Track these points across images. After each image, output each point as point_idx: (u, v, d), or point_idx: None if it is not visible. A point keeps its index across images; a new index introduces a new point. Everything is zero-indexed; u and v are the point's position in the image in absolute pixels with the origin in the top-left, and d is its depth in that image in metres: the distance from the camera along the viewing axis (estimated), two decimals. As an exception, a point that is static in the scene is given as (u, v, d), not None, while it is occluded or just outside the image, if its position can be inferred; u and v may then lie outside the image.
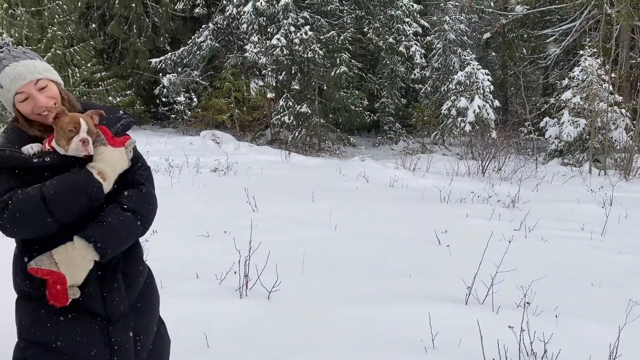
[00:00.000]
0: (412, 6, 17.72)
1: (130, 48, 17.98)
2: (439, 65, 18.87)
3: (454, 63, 18.17)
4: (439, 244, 5.53)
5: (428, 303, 3.75)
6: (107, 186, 1.76)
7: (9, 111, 1.90)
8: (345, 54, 16.12)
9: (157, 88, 17.47)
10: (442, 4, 19.03)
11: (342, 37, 16.10)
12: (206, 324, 3.22)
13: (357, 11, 17.77)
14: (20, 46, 1.91)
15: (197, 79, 17.55)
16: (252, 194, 7.06)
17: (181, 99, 17.81)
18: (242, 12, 16.03)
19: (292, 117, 15.79)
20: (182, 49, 17.40)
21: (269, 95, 17.12)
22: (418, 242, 5.68)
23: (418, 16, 18.49)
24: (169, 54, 17.37)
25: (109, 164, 1.76)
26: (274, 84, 16.98)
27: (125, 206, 1.79)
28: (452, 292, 4.03)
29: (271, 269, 4.07)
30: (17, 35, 15.29)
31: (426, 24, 19.38)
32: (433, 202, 8.08)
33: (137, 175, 1.88)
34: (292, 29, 15.29)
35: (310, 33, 15.27)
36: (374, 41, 17.54)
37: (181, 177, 9.20)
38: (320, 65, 15.78)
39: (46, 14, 15.82)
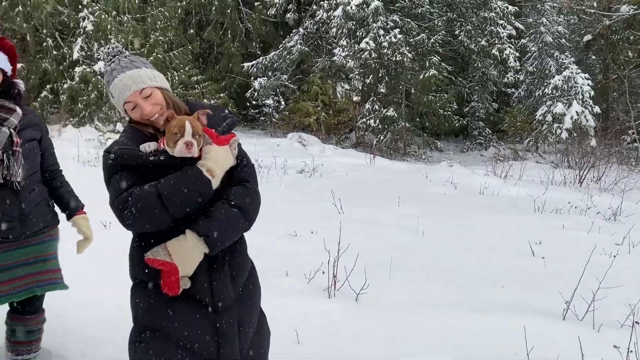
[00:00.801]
0: (507, 8, 17.09)
1: (225, 52, 18.73)
2: (534, 69, 18.05)
3: (550, 67, 17.31)
4: (532, 255, 5.29)
5: (522, 316, 3.59)
6: (216, 182, 1.84)
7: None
8: (435, 57, 15.85)
9: (249, 91, 18.07)
10: (538, 5, 18.20)
11: (432, 40, 15.85)
12: (296, 321, 3.29)
13: (449, 13, 17.41)
14: (129, 53, 2.03)
15: (286, 83, 17.96)
16: (338, 196, 7.12)
17: (270, 102, 18.30)
18: (332, 17, 16.23)
19: (377, 121, 15.74)
20: (272, 53, 17.88)
21: (355, 98, 17.17)
22: (510, 252, 5.45)
23: (512, 18, 17.81)
24: (261, 58, 17.91)
25: (216, 162, 1.84)
26: (361, 87, 17.02)
27: (232, 202, 1.87)
28: (548, 306, 3.84)
29: (359, 271, 4.08)
30: (123, 40, 16.41)
31: (521, 26, 18.61)
32: (526, 211, 7.73)
33: (243, 173, 1.95)
34: (381, 32, 15.26)
35: (399, 36, 15.17)
36: (466, 44, 17.10)
37: (269, 177, 9.45)
38: (408, 68, 15.63)
39: (149, 20, 16.84)
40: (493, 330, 3.46)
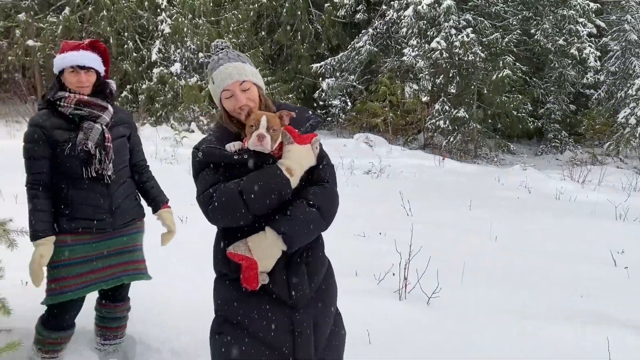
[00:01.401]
0: (588, 5, 16.25)
1: (294, 54, 18.98)
2: (616, 69, 17.05)
3: (635, 67, 16.29)
4: (614, 265, 5.01)
5: (606, 327, 3.42)
6: (294, 182, 1.87)
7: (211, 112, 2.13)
8: (509, 56, 15.32)
9: (317, 92, 18.21)
10: (622, 2, 17.18)
11: (506, 40, 15.34)
12: (367, 322, 3.29)
13: (524, 12, 16.77)
14: (237, 51, 2.11)
15: (354, 83, 17.95)
16: (406, 198, 7.04)
17: (337, 102, 18.35)
18: (402, 17, 16.06)
19: (447, 122, 15.42)
20: (341, 54, 17.92)
21: (424, 99, 16.89)
22: (589, 261, 5.19)
23: (593, 16, 16.90)
24: (329, 59, 18.00)
25: (296, 161, 1.88)
26: (430, 88, 16.73)
27: (311, 202, 1.89)
28: (633, 319, 3.63)
29: (430, 274, 4.03)
30: (198, 43, 17.00)
31: (602, 24, 17.63)
32: (606, 218, 7.32)
33: (322, 173, 1.98)
34: (453, 31, 14.94)
35: (472, 35, 14.80)
36: (542, 43, 16.39)
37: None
38: (480, 68, 15.21)
39: (223, 23, 17.36)
40: (570, 339, 3.32)
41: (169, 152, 11.49)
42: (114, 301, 2.91)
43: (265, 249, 1.85)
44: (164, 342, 3.02)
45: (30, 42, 15.02)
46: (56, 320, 2.68)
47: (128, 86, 17.24)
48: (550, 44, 16.20)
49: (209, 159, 1.92)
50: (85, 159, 2.60)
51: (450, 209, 7.40)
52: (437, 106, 15.82)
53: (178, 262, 3.99)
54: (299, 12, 18.51)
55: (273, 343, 1.90)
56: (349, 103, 18.40)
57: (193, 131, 14.80)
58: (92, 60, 2.65)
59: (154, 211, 2.95)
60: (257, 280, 1.87)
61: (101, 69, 2.71)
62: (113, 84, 2.83)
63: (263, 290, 1.90)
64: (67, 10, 15.98)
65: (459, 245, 5.43)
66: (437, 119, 15.58)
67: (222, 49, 2.06)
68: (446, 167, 12.28)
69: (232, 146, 1.92)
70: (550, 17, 16.26)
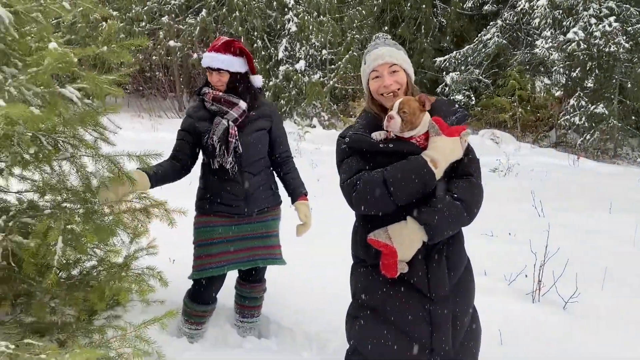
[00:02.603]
0: None
1: (417, 48, 18.71)
2: None
3: None
4: None
5: None
6: (439, 173, 1.86)
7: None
8: (658, 46, 13.83)
9: (439, 86, 17.80)
10: None
11: (655, 28, 13.85)
12: (499, 322, 3.17)
13: (679, -4, 15.02)
14: (392, 40, 2.15)
15: (480, 77, 17.28)
16: (535, 196, 6.66)
17: (460, 97, 17.79)
18: (534, 7, 15.14)
19: (583, 118, 14.29)
20: (466, 47, 17.33)
21: (558, 93, 15.80)
22: None
23: None
24: (454, 52, 17.49)
25: (441, 153, 1.86)
26: (564, 82, 15.61)
27: (455, 195, 1.87)
28: None
29: (567, 278, 3.78)
30: (322, 40, 17.39)
31: None
32: None
33: (468, 167, 1.94)
34: (593, 20, 13.80)
35: (615, 24, 13.56)
36: (701, 30, 14.58)
37: (461, 174, 9.23)
38: (624, 60, 13.89)
39: (346, 19, 17.59)
40: None
41: (292, 146, 11.91)
42: (252, 282, 3.10)
43: (405, 238, 1.86)
44: (298, 324, 3.15)
45: (171, 43, 16.35)
46: (200, 294, 2.92)
47: (256, 83, 18.15)
48: None
49: (355, 145, 1.95)
50: (211, 151, 2.80)
51: (588, 211, 6.86)
52: (572, 101, 14.72)
53: (313, 251, 4.14)
54: (424, 6, 18.21)
55: (410, 332, 1.91)
56: (473, 98, 17.75)
57: (315, 126, 15.20)
58: (222, 62, 2.78)
59: (292, 202, 3.06)
60: (396, 269, 1.89)
61: (234, 68, 2.82)
62: (258, 80, 2.95)
63: (402, 279, 1.92)
64: (204, 12, 17.16)
65: (598, 250, 5.01)
66: (571, 115, 14.50)
67: (381, 36, 2.11)
68: (581, 167, 11.41)
69: (379, 134, 1.95)
70: None
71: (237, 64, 2.83)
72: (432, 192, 1.88)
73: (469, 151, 1.97)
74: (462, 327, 1.99)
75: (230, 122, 2.80)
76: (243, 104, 2.84)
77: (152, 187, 2.74)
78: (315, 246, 4.16)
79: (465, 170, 1.94)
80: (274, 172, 3.08)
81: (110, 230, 2.37)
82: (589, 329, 3.30)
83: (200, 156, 2.98)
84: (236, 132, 2.81)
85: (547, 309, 3.51)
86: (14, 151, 2.34)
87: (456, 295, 1.97)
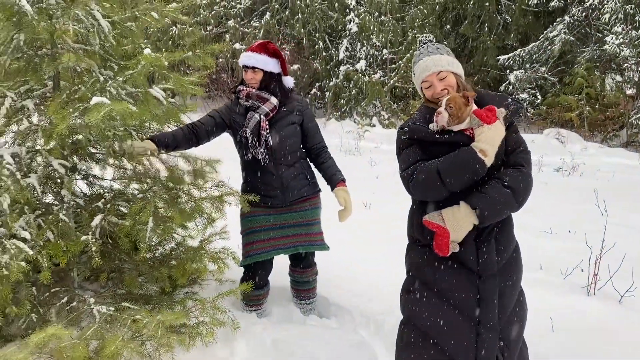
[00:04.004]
0: None
1: (480, 46, 18.44)
2: None
3: None
4: None
5: None
6: (489, 161, 2.03)
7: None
8: None
9: (503, 85, 17.48)
10: None
11: None
12: (551, 311, 3.27)
13: None
14: (438, 43, 2.33)
15: (546, 75, 16.85)
16: (602, 197, 6.55)
17: (525, 95, 17.39)
18: (604, 1, 14.63)
19: (656, 117, 13.68)
20: (532, 44, 16.93)
21: (629, 92, 15.18)
22: None
23: None
24: (518, 50, 17.13)
25: (488, 142, 2.03)
26: (637, 79, 14.98)
27: (506, 183, 2.04)
28: None
29: (624, 274, 3.80)
30: (383, 39, 17.50)
31: None
32: None
33: (519, 158, 2.10)
34: (668, 14, 13.19)
35: (692, 18, 12.91)
36: None
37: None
38: (702, 55, 13.19)
39: (407, 18, 17.61)
40: None
41: (352, 145, 12.13)
42: (302, 268, 3.34)
43: (458, 221, 2.04)
44: (354, 305, 3.39)
45: (237, 45, 16.96)
46: (251, 279, 3.14)
47: (317, 83, 18.49)
48: None
49: (413, 135, 2.16)
50: (245, 144, 3.05)
51: (656, 212, 6.68)
52: (644, 99, 14.11)
53: (365, 240, 4.36)
54: (487, 4, 17.94)
55: (459, 305, 2.09)
56: (539, 97, 17.32)
57: (374, 125, 15.35)
58: (257, 60, 3.03)
59: (332, 189, 3.22)
60: (448, 248, 2.08)
61: (268, 67, 3.06)
62: (289, 81, 3.18)
63: (453, 257, 2.10)
64: (267, 15, 17.70)
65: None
66: (643, 113, 13.91)
67: (425, 43, 2.29)
68: (653, 167, 10.96)
69: (434, 126, 2.15)
70: None
71: (271, 64, 3.08)
72: (484, 179, 2.06)
73: (521, 144, 2.12)
74: (509, 303, 2.15)
75: (262, 116, 3.04)
76: (274, 100, 3.07)
77: (161, 151, 2.90)
78: (366, 237, 4.38)
79: (516, 160, 2.09)
80: (311, 163, 3.27)
81: (191, 214, 2.69)
82: (643, 322, 3.33)
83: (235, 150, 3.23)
84: (267, 125, 3.04)
85: (602, 302, 3.55)
86: (108, 145, 2.69)
87: (504, 273, 2.13)
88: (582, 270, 3.89)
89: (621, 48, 13.96)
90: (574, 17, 16.47)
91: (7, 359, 1.99)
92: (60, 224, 2.40)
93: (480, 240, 2.09)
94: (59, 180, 2.61)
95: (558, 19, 16.89)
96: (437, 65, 2.19)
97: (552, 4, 17.53)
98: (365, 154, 10.95)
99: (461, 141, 2.06)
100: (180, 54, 2.56)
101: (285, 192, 3.11)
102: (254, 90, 3.08)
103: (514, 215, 2.20)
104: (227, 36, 17.48)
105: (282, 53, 3.24)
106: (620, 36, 14.02)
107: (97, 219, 2.47)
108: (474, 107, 2.10)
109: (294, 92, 3.27)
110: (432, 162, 2.08)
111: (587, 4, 15.79)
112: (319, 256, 3.41)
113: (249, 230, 3.16)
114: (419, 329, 2.17)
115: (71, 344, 2.08)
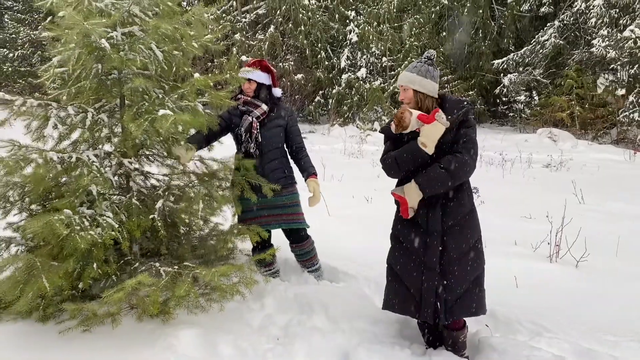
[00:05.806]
0: None
1: (475, 52, 19.22)
2: None
3: None
4: None
5: None
6: (430, 150, 2.79)
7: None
8: None
9: (498, 88, 18.25)
10: None
11: None
12: (517, 273, 4.04)
13: None
14: (430, 62, 3.01)
15: (538, 77, 17.61)
16: (581, 188, 7.26)
17: (521, 97, 18.14)
18: (591, 6, 15.41)
19: (643, 114, 14.39)
20: (524, 48, 17.71)
21: (618, 91, 15.92)
22: None
23: None
24: (512, 54, 17.90)
25: (427, 137, 2.78)
26: (625, 79, 15.73)
27: (441, 165, 2.80)
28: None
29: (587, 247, 4.54)
30: (382, 47, 18.31)
31: None
32: None
33: (460, 147, 2.83)
34: (650, 17, 13.94)
35: (673, 20, 13.65)
36: None
37: (513, 170, 9.86)
38: (684, 55, 13.93)
39: (405, 27, 18.43)
40: None
41: (355, 149, 12.92)
42: (297, 242, 4.03)
43: (410, 193, 2.86)
44: (360, 272, 4.16)
45: (243, 58, 17.81)
46: (258, 245, 3.84)
47: (320, 91, 19.31)
48: None
49: (385, 133, 3.03)
50: (239, 139, 3.84)
51: (633, 202, 7.33)
52: (631, 98, 14.86)
53: (367, 227, 5.14)
54: (481, 11, 18.71)
55: (413, 252, 2.89)
56: (536, 98, 18.05)
57: (376, 129, 16.12)
58: (252, 74, 3.82)
59: (305, 180, 3.93)
60: (407, 212, 2.88)
61: (261, 79, 3.84)
62: (277, 92, 3.96)
63: (412, 219, 2.92)
64: (272, 27, 18.56)
65: (625, 228, 5.64)
66: (631, 111, 14.65)
67: (425, 59, 2.99)
68: (637, 162, 11.67)
69: (393, 127, 2.94)
70: None
71: (263, 77, 3.89)
72: (427, 163, 2.83)
73: (465, 135, 2.87)
74: (452, 253, 2.83)
75: (254, 119, 3.82)
76: (265, 107, 3.86)
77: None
78: (367, 225, 5.17)
79: (457, 149, 2.84)
80: (292, 159, 4.01)
81: (228, 198, 3.48)
82: (595, 283, 4.07)
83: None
84: (257, 126, 3.82)
85: (562, 268, 4.30)
86: (167, 147, 3.48)
87: (449, 232, 2.86)
88: (548, 243, 4.65)
89: (607, 50, 14.72)
90: (563, 22, 17.26)
91: (107, 298, 2.76)
92: (132, 206, 3.17)
93: (429, 207, 2.88)
94: (125, 175, 3.39)
95: (549, 24, 17.68)
96: (401, 80, 2.97)
97: (542, 9, 18.33)
98: (367, 156, 11.72)
99: (415, 137, 2.85)
100: (221, 76, 3.35)
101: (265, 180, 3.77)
102: (249, 98, 3.88)
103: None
104: (234, 49, 18.34)
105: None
106: (606, 39, 14.79)
107: (159, 202, 3.25)
108: (418, 112, 2.85)
109: (282, 101, 4.07)
110: (394, 152, 2.92)
111: (575, 9, 16.58)
112: (332, 238, 4.14)
113: (243, 210, 3.81)
114: (392, 268, 3.00)
115: (150, 290, 2.86)
